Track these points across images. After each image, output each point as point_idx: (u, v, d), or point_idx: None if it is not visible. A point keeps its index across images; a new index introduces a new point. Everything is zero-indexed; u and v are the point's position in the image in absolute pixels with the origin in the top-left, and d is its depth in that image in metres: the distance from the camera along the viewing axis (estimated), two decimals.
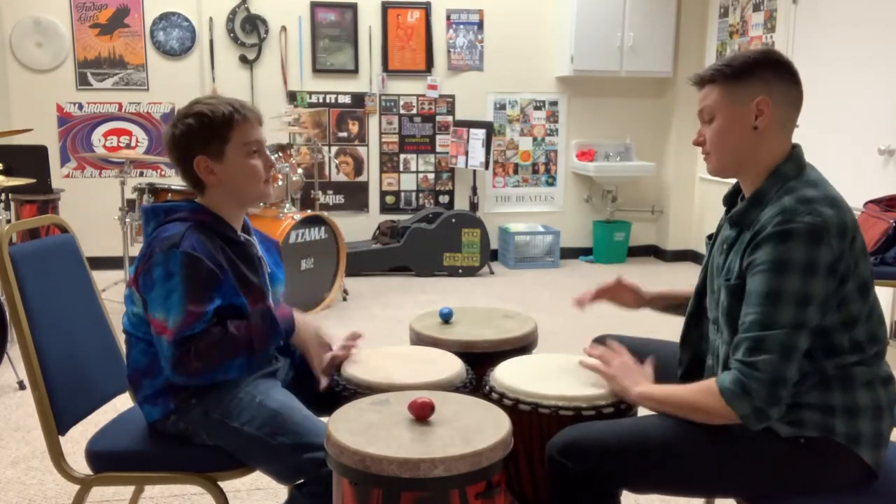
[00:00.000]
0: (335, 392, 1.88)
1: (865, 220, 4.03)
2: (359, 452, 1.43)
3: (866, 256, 1.53)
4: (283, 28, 6.07)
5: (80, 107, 5.95)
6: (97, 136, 6.00)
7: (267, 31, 6.04)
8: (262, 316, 1.79)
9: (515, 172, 6.60)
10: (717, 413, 1.49)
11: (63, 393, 1.80)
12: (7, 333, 3.48)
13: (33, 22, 5.79)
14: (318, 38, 6.12)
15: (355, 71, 6.20)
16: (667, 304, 2.04)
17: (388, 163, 6.39)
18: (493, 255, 6.51)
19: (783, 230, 1.45)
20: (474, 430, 1.52)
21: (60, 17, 5.83)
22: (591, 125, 6.60)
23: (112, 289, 5.07)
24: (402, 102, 6.31)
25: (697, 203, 6.59)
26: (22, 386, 3.55)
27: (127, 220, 4.77)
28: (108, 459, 1.79)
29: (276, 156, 4.94)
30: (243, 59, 6.05)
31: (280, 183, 4.87)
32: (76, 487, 1.81)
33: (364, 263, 5.92)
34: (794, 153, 1.60)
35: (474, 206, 6.30)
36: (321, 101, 6.20)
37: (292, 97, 6.14)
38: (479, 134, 6.11)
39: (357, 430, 1.51)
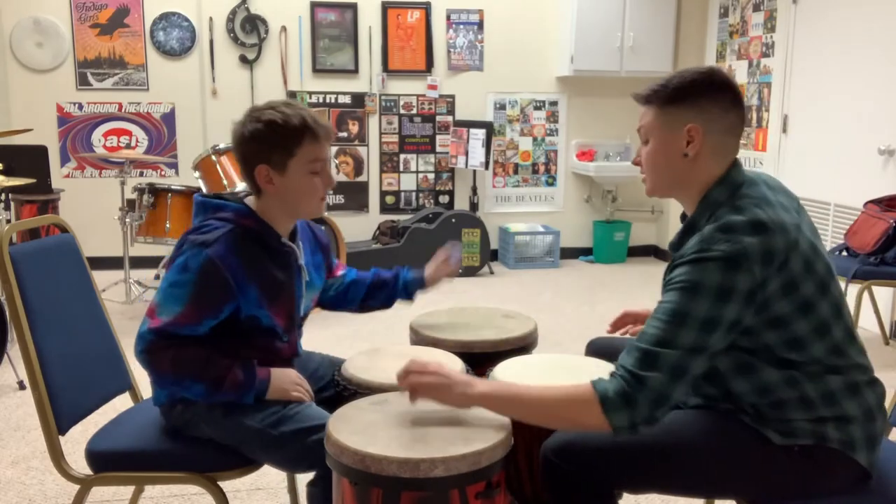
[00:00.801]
0: (335, 392, 1.88)
1: (865, 220, 4.03)
2: (359, 452, 1.43)
3: (811, 274, 1.45)
4: (283, 28, 6.07)
5: (80, 107, 5.95)
6: (97, 136, 6.00)
7: (267, 31, 6.05)
8: (244, 369, 1.75)
9: (515, 172, 6.60)
10: (585, 420, 1.43)
11: (63, 393, 1.80)
12: (7, 333, 3.49)
13: (33, 22, 5.79)
14: (318, 38, 6.12)
15: (355, 71, 6.20)
16: None
17: (388, 163, 6.39)
18: (493, 255, 6.52)
19: (699, 257, 1.41)
20: (474, 430, 1.51)
21: (60, 17, 5.83)
22: (591, 125, 6.60)
23: (112, 289, 5.07)
24: (402, 102, 6.31)
25: None
26: (22, 386, 3.55)
27: (127, 220, 4.76)
28: (108, 459, 1.79)
29: None
30: (243, 59, 6.05)
31: None
32: (76, 487, 1.82)
33: (364, 263, 5.91)
34: (728, 176, 1.53)
35: (474, 206, 6.30)
36: (321, 101, 6.20)
37: (292, 97, 6.14)
38: (479, 134, 6.11)
39: (357, 430, 1.51)
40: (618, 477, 1.56)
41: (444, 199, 6.52)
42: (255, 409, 1.75)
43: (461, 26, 6.29)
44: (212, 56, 6.02)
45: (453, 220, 5.92)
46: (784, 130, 5.29)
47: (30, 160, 4.99)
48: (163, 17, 5.93)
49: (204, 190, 4.69)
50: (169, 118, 6.07)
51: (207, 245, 1.70)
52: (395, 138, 6.35)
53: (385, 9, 6.15)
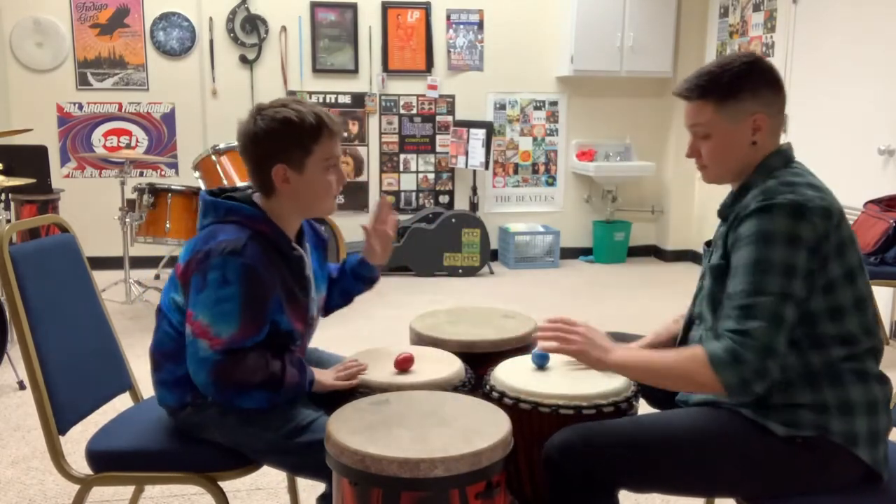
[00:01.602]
0: (335, 392, 1.88)
1: (865, 220, 4.03)
2: (359, 452, 1.43)
3: (855, 245, 1.52)
4: (283, 28, 6.07)
5: (80, 107, 5.95)
6: (97, 136, 6.00)
7: (267, 31, 6.05)
8: (296, 364, 1.75)
9: (515, 172, 6.60)
10: (701, 381, 1.46)
11: (63, 393, 1.80)
12: (7, 333, 3.49)
13: (33, 22, 5.79)
14: (318, 38, 6.12)
15: (355, 71, 6.20)
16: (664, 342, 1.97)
17: (388, 163, 6.39)
18: (493, 255, 6.52)
19: (765, 205, 1.47)
20: (474, 430, 1.51)
21: (60, 17, 5.83)
22: (591, 125, 6.60)
23: (112, 289, 5.07)
24: (402, 102, 6.31)
25: (697, 203, 6.59)
26: (22, 386, 3.55)
27: (127, 220, 4.76)
28: (108, 459, 1.79)
29: None
30: (243, 59, 6.05)
31: None
32: (76, 487, 1.81)
33: None
34: (783, 148, 1.62)
35: (474, 206, 6.30)
36: (321, 101, 6.20)
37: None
38: (479, 134, 6.11)
39: (357, 430, 1.51)
40: (620, 475, 1.56)
41: (444, 199, 6.52)
42: (271, 418, 1.73)
43: (461, 26, 6.29)
44: (212, 56, 6.02)
45: (453, 220, 5.92)
46: (784, 130, 5.29)
47: (30, 160, 4.99)
48: (163, 17, 5.93)
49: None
50: (169, 118, 6.07)
51: (238, 253, 1.65)
52: (395, 138, 6.35)
53: (385, 9, 6.15)
